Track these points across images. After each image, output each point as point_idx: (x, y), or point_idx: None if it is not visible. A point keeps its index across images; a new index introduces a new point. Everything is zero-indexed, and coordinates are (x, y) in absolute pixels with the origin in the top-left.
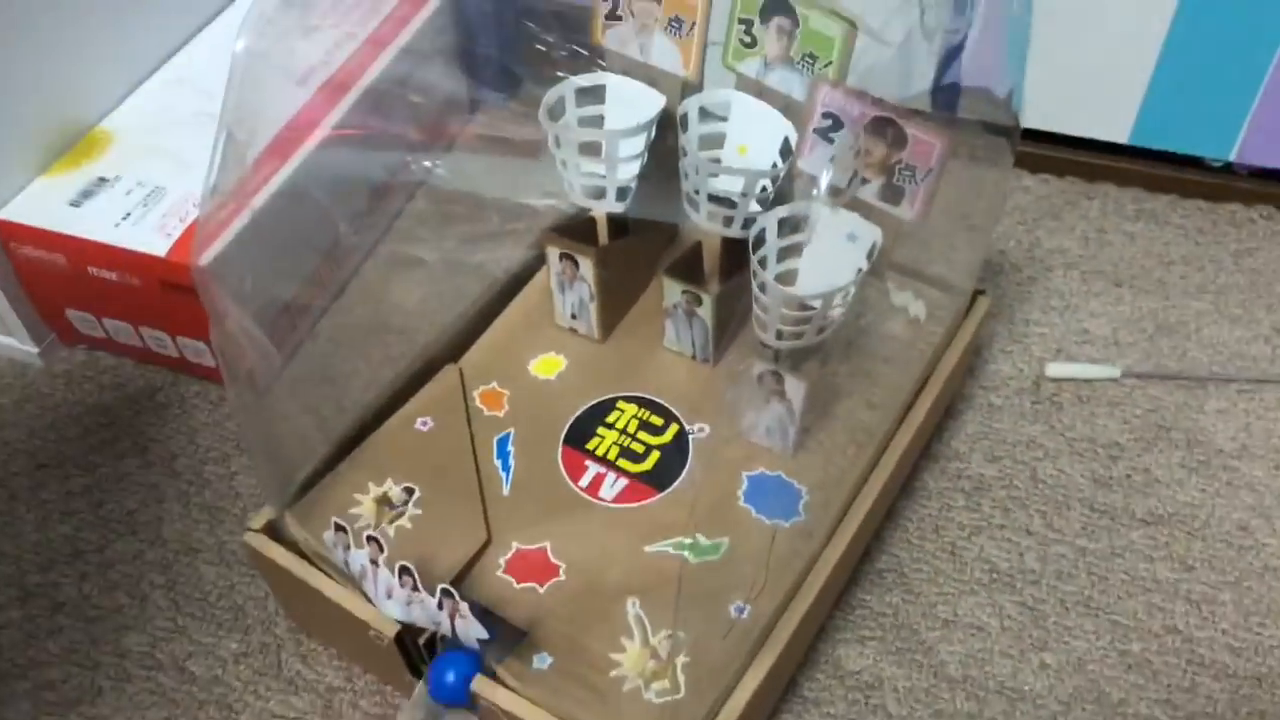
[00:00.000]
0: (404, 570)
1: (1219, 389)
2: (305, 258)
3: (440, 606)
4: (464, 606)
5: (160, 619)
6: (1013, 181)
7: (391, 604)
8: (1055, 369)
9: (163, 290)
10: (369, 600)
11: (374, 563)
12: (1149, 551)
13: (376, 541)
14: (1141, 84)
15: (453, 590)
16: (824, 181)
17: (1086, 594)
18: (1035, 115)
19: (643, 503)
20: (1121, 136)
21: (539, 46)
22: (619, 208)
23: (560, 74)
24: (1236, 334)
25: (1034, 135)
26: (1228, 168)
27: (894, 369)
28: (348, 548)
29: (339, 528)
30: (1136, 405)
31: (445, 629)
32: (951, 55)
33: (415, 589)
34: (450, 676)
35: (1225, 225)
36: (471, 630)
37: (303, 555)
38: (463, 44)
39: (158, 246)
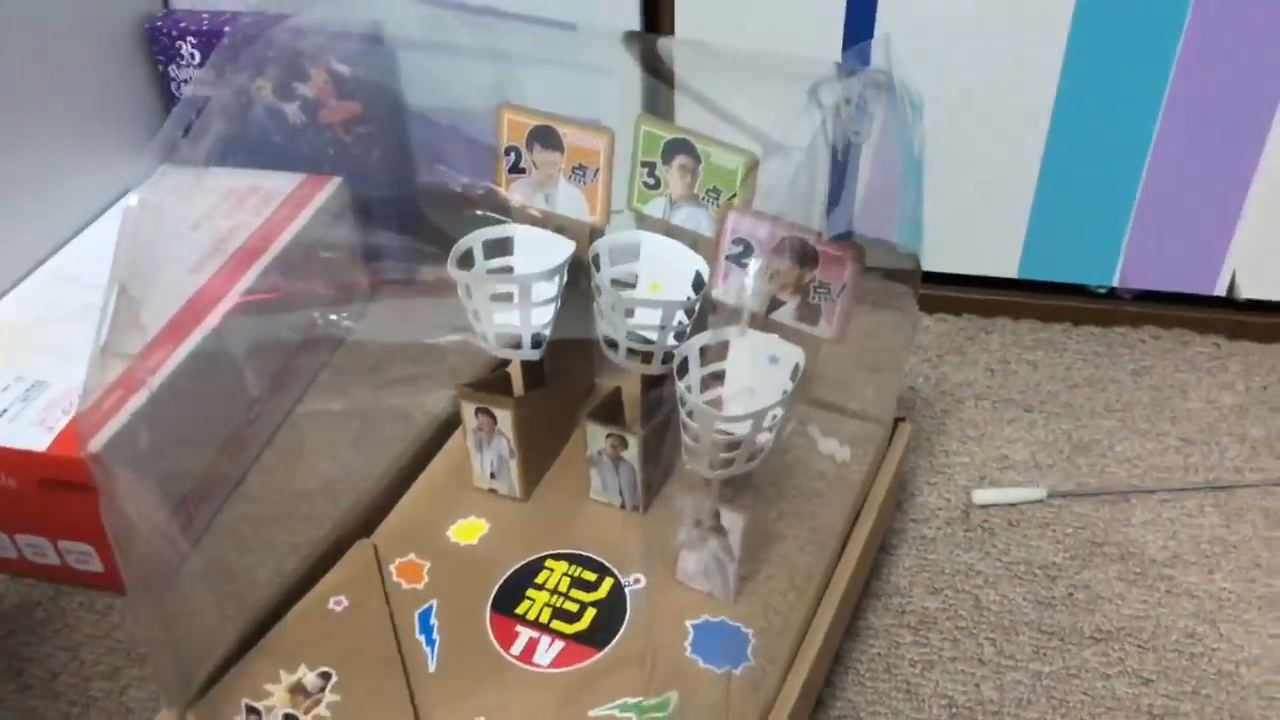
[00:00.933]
0: None
1: (1141, 500)
2: (209, 435)
3: None
4: None
5: None
6: None
7: None
8: (982, 495)
9: (43, 489)
10: None
11: None
12: (1104, 669)
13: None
14: (1022, 221)
15: None
16: (741, 305)
17: (1049, 719)
18: (926, 258)
19: (582, 664)
20: (1011, 271)
21: (455, 188)
22: (535, 355)
23: (480, 212)
24: (1148, 447)
25: (928, 277)
26: (1112, 293)
27: (824, 507)
28: None
29: (250, 709)
30: (1066, 524)
31: None
32: (849, 156)
33: None
34: None
35: (1119, 347)
36: None
37: None
38: (363, 217)
39: (38, 441)
